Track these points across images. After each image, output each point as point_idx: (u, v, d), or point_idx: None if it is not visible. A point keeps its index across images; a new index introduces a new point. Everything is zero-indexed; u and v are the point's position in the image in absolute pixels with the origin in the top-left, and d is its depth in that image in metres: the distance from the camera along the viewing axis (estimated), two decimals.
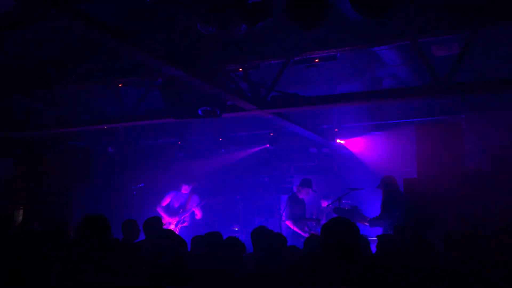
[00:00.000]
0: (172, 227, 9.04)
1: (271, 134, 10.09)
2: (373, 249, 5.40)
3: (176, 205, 9.52)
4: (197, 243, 5.02)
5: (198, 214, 9.52)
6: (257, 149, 11.04)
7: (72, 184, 10.16)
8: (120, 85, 7.64)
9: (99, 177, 10.95)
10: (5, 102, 8.45)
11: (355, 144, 10.39)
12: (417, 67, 6.54)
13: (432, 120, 8.02)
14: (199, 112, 6.64)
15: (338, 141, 9.80)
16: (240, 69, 6.74)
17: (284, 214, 8.79)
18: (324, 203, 9.34)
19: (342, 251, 2.88)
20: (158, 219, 6.18)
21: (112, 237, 3.70)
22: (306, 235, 7.84)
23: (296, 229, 8.54)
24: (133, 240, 6.07)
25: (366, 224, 7.33)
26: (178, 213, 9.41)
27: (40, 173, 9.91)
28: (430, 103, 8.05)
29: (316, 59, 6.38)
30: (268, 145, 10.32)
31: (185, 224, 9.43)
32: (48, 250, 3.06)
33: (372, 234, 7.55)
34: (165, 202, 9.48)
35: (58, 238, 4.81)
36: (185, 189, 9.58)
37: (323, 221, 8.03)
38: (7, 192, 9.69)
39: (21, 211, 9.63)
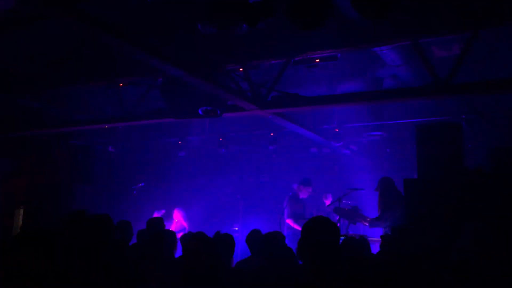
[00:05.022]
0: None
1: (272, 134, 10.09)
2: (374, 249, 5.42)
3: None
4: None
5: (185, 226, 9.65)
6: (257, 149, 11.04)
7: (72, 183, 10.17)
8: (120, 84, 7.65)
9: (99, 177, 10.96)
10: (6, 102, 8.46)
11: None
12: (417, 67, 6.54)
13: (433, 121, 8.01)
14: (200, 111, 6.64)
15: None
16: (241, 69, 6.74)
17: (285, 213, 8.81)
18: (328, 200, 9.30)
19: (321, 251, 2.87)
20: (160, 219, 6.18)
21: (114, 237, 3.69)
22: None
23: (296, 226, 8.56)
24: (127, 241, 6.08)
25: (366, 224, 7.34)
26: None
27: (40, 172, 9.92)
28: (430, 103, 8.05)
29: (317, 59, 6.38)
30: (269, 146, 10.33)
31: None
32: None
33: (372, 234, 7.57)
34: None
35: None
36: (176, 215, 9.74)
37: None
38: (7, 192, 9.70)
39: (22, 211, 9.65)
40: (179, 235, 9.20)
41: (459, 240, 3.56)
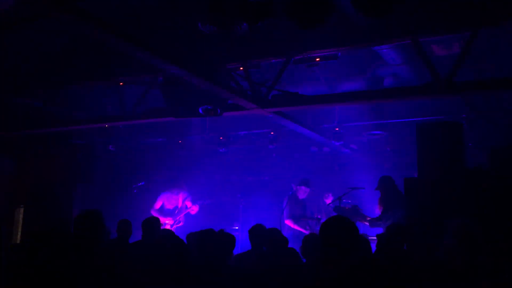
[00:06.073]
0: (168, 227, 9.02)
1: (272, 133, 10.08)
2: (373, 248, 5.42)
3: (170, 206, 9.49)
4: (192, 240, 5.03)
5: (194, 210, 9.47)
6: (258, 148, 11.04)
7: (73, 182, 10.16)
8: (121, 83, 7.65)
9: (100, 176, 10.95)
10: (6, 101, 8.45)
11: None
12: (418, 66, 6.54)
13: (433, 120, 8.01)
14: (200, 111, 6.65)
15: None
16: (241, 68, 6.74)
17: (284, 214, 8.78)
18: (328, 199, 9.29)
19: (340, 250, 2.87)
20: (157, 219, 6.18)
21: (106, 233, 3.68)
22: (308, 232, 7.84)
23: (297, 227, 8.54)
24: (126, 239, 6.08)
25: (366, 223, 7.34)
26: (173, 214, 9.40)
27: (41, 171, 9.91)
28: (431, 102, 8.05)
29: (317, 58, 6.37)
30: (269, 145, 10.32)
31: (181, 224, 9.43)
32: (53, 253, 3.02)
33: (372, 233, 7.56)
34: (158, 205, 9.46)
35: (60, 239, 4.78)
36: (176, 191, 9.57)
37: (324, 220, 8.01)
38: (7, 191, 9.68)
39: (22, 210, 9.64)
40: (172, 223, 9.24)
41: (445, 238, 3.57)
